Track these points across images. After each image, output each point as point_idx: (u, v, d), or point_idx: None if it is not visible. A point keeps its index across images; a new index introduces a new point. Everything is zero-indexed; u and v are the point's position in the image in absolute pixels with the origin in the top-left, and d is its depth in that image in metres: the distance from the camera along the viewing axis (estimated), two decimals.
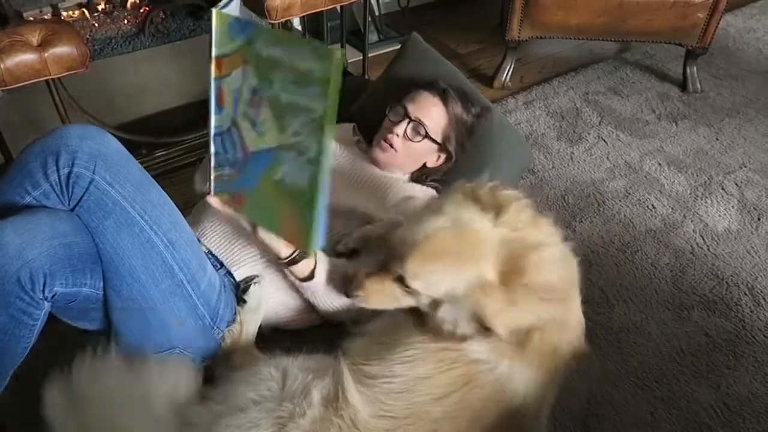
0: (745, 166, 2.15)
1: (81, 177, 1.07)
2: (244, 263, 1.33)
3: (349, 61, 2.46)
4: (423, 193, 1.59)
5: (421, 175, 1.65)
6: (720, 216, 1.92)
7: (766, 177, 2.10)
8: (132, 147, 1.91)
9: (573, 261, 1.10)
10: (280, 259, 1.23)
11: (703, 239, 1.83)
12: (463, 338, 1.04)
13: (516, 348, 1.03)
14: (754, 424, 1.35)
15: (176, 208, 1.19)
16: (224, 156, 1.13)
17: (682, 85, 2.59)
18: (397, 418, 1.00)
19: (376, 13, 2.83)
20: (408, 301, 1.09)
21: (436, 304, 1.06)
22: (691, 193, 2.01)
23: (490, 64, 2.72)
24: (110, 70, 2.51)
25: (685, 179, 2.08)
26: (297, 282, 1.28)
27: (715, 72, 2.72)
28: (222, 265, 1.33)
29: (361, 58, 2.38)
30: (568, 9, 2.36)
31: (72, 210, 1.09)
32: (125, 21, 2.79)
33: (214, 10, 1.00)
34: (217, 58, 1.05)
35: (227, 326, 1.27)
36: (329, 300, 1.30)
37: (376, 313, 1.20)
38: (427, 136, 1.55)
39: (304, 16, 2.22)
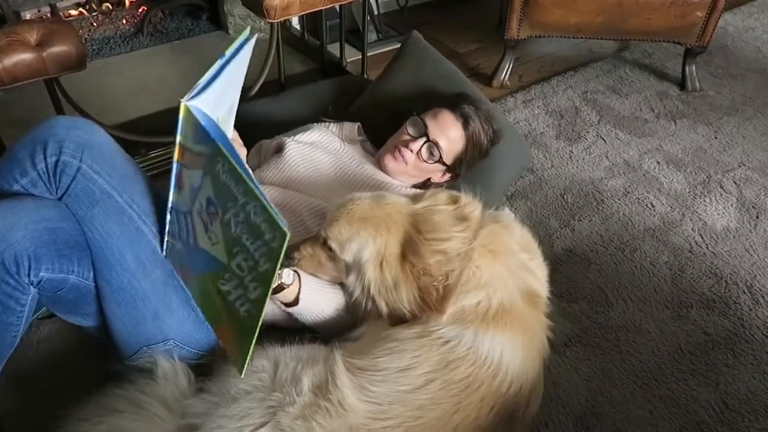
0: (744, 165, 2.15)
1: (68, 165, 1.08)
2: None
3: (348, 60, 2.46)
4: None
5: (423, 185, 1.65)
6: (719, 214, 1.92)
7: (765, 175, 2.10)
8: (130, 146, 1.92)
9: (500, 227, 1.23)
10: None
11: (702, 238, 1.83)
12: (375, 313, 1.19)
13: (478, 317, 1.11)
14: (752, 422, 1.35)
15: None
16: (177, 232, 1.13)
17: (681, 84, 2.59)
18: (382, 404, 1.03)
19: (375, 13, 2.83)
20: (332, 269, 1.25)
21: (348, 270, 1.20)
22: (689, 192, 2.01)
23: (489, 63, 2.72)
24: (109, 70, 2.51)
25: (684, 178, 2.08)
26: (282, 306, 1.29)
27: (714, 71, 2.72)
28: None
29: (360, 57, 2.38)
30: (567, 8, 2.36)
31: (60, 199, 1.10)
32: (124, 21, 2.80)
33: (181, 102, 0.94)
34: (180, 145, 1.01)
35: None
36: (315, 319, 1.30)
37: (362, 321, 1.26)
38: (440, 160, 1.55)
39: (302, 16, 2.22)
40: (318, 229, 1.38)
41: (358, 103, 1.97)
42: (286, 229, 0.85)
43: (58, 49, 1.53)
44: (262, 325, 0.99)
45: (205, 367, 1.23)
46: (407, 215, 1.18)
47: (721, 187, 2.04)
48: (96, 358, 1.37)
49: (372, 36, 2.79)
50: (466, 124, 1.57)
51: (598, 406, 1.36)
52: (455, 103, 1.60)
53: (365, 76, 2.38)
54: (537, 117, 2.36)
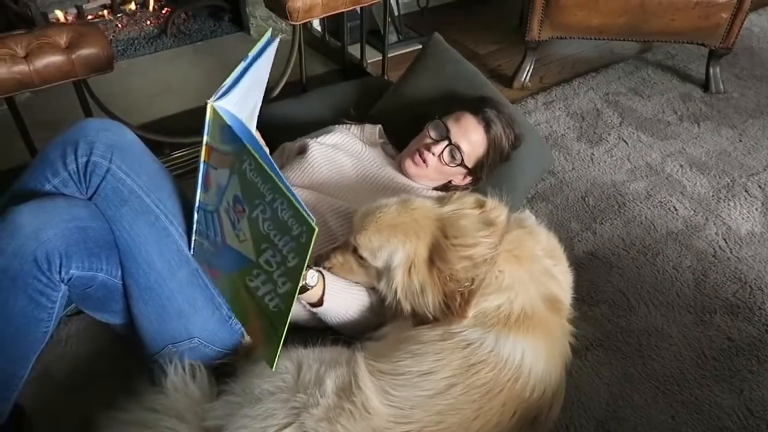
0: None
1: (98, 166, 1.10)
2: None
3: (368, 61, 2.47)
4: None
5: (445, 188, 1.65)
6: (743, 219, 1.90)
7: None
8: (154, 147, 1.94)
9: (534, 234, 1.25)
10: None
11: (726, 242, 1.81)
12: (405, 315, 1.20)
13: (500, 321, 1.12)
14: None
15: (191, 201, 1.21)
16: (205, 231, 1.15)
17: (705, 86, 2.56)
18: (403, 408, 1.03)
19: (396, 14, 2.84)
20: (363, 275, 1.27)
21: (379, 276, 1.20)
22: (713, 196, 1.99)
23: (510, 64, 2.71)
24: (133, 71, 2.55)
25: (708, 181, 2.05)
26: (307, 306, 1.30)
27: (739, 72, 2.68)
28: None
29: (381, 58, 2.39)
30: (589, 9, 2.34)
31: (90, 199, 1.13)
32: (148, 22, 2.84)
33: (208, 103, 0.96)
34: (207, 145, 1.04)
35: None
36: (339, 319, 1.31)
37: (387, 321, 1.27)
38: (461, 163, 1.55)
39: (324, 18, 2.23)
40: (340, 230, 1.39)
41: (379, 105, 1.98)
42: (314, 224, 0.86)
43: (87, 51, 1.56)
44: (289, 322, 1.00)
45: (229, 367, 1.25)
46: (435, 219, 1.19)
47: (746, 191, 2.01)
48: (123, 356, 1.39)
49: (392, 37, 2.80)
50: (488, 128, 1.57)
51: (620, 411, 1.36)
52: (477, 106, 1.60)
53: (386, 77, 2.39)
54: (558, 119, 2.35)
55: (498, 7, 3.30)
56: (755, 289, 1.66)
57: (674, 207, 1.94)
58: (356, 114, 1.89)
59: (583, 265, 1.71)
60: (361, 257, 1.23)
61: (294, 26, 1.97)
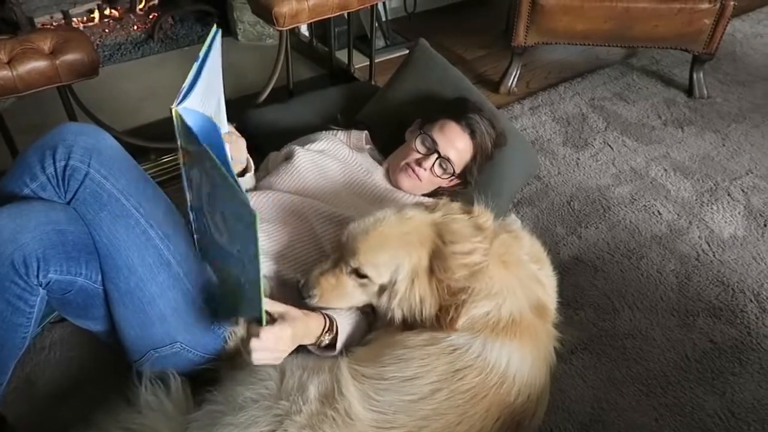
0: (752, 172, 2.15)
1: (76, 170, 1.10)
2: None
3: (356, 66, 2.47)
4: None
5: (433, 192, 1.67)
6: (726, 222, 1.92)
7: None
8: (141, 152, 1.95)
9: (518, 238, 1.25)
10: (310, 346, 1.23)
11: (709, 245, 1.83)
12: (406, 325, 1.18)
13: (488, 327, 1.12)
14: (759, 431, 1.35)
15: (173, 206, 1.21)
16: (200, 228, 1.18)
17: (689, 91, 2.59)
18: (386, 413, 1.03)
19: (383, 19, 2.85)
20: (360, 294, 1.21)
21: (381, 292, 1.17)
22: (697, 199, 2.01)
23: (497, 69, 2.73)
24: (120, 76, 2.54)
25: (691, 185, 2.08)
26: (317, 351, 1.26)
27: (722, 77, 2.72)
28: None
29: (368, 63, 2.40)
30: (574, 15, 2.36)
31: (68, 203, 1.12)
32: (135, 27, 2.83)
33: (172, 109, 1.00)
34: (182, 148, 1.07)
35: (230, 323, 1.27)
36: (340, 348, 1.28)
37: (374, 327, 1.27)
38: (453, 174, 1.59)
39: (311, 23, 2.24)
40: (326, 235, 1.39)
41: (366, 110, 1.99)
42: (254, 209, 0.91)
43: (71, 57, 1.55)
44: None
45: (213, 373, 1.24)
46: (431, 225, 1.17)
47: (729, 194, 2.04)
48: (107, 363, 1.39)
49: (380, 42, 2.81)
50: (473, 134, 1.59)
51: (604, 414, 1.37)
52: (459, 113, 1.61)
53: (373, 82, 2.40)
54: (544, 124, 2.36)
55: (485, 13, 3.32)
56: (737, 291, 1.68)
57: (658, 211, 1.96)
58: (343, 119, 1.90)
59: (568, 269, 1.73)
60: (361, 276, 1.18)
61: (281, 31, 1.97)
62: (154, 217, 1.15)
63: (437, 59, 2.01)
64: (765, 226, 1.91)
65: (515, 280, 1.18)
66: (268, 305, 1.10)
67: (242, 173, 1.44)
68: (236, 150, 1.39)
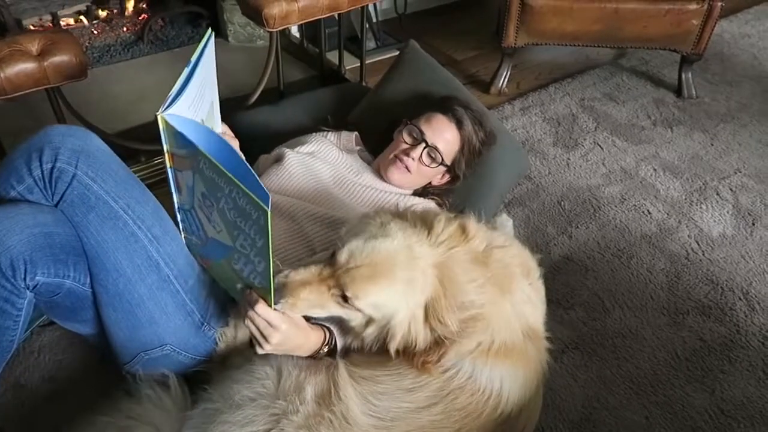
0: (740, 172, 2.16)
1: (64, 172, 1.09)
2: None
3: (347, 67, 2.48)
4: (423, 205, 1.60)
5: (423, 190, 1.67)
6: (715, 221, 1.94)
7: (761, 182, 2.11)
8: (130, 154, 1.94)
9: (502, 252, 1.16)
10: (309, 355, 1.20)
11: (698, 244, 1.84)
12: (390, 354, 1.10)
13: (480, 354, 1.08)
14: (748, 428, 1.36)
15: (162, 207, 1.20)
16: (189, 228, 1.18)
17: (678, 91, 2.61)
18: (384, 419, 1.03)
19: (374, 20, 2.85)
20: (339, 313, 1.10)
21: (368, 323, 1.10)
22: (686, 199, 2.03)
23: (487, 70, 2.74)
24: (109, 78, 2.53)
25: (681, 185, 2.09)
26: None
27: (710, 78, 2.74)
28: None
29: (359, 64, 2.40)
30: (563, 16, 2.38)
31: (56, 205, 1.11)
32: (124, 29, 2.82)
33: (158, 115, 0.99)
34: (168, 152, 1.07)
35: (220, 324, 1.27)
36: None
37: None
38: (441, 162, 1.58)
39: (301, 24, 2.24)
40: (317, 237, 1.38)
41: (356, 112, 1.99)
42: (264, 206, 0.91)
43: (59, 59, 1.54)
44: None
45: (204, 375, 1.24)
46: (435, 268, 1.07)
47: (718, 194, 2.05)
48: (96, 366, 1.38)
49: (371, 44, 2.81)
50: (460, 125, 1.60)
51: (595, 413, 1.37)
52: (446, 105, 1.63)
53: (364, 83, 2.40)
54: (534, 124, 2.37)
55: (476, 14, 3.33)
56: (726, 290, 1.69)
57: (648, 210, 1.97)
58: (333, 121, 1.90)
59: (559, 269, 1.73)
60: (347, 302, 1.08)
61: (271, 33, 1.97)
62: (143, 218, 1.14)
63: (427, 60, 2.02)
64: (753, 224, 1.93)
65: (509, 308, 1.13)
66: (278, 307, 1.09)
67: None
68: None
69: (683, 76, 2.58)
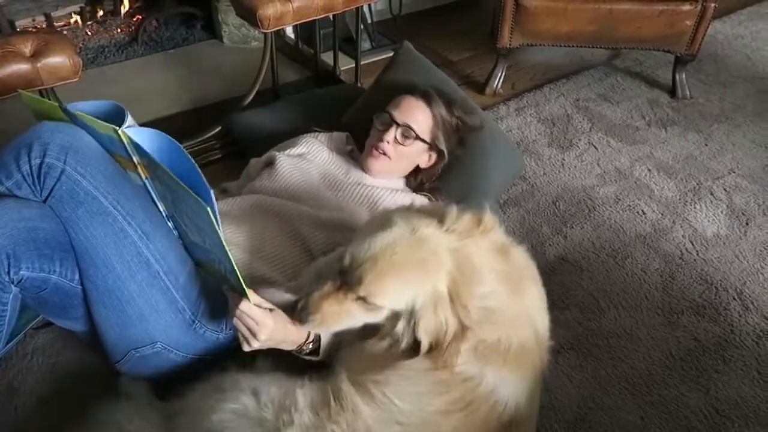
0: (734, 172, 2.17)
1: (52, 167, 1.08)
2: None
3: (342, 68, 2.48)
4: (416, 202, 1.60)
5: (417, 181, 1.67)
6: (709, 221, 1.94)
7: (755, 182, 2.12)
8: None
9: (518, 253, 1.14)
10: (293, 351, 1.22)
11: (693, 244, 1.85)
12: (415, 352, 1.07)
13: (500, 356, 1.05)
14: (742, 427, 1.36)
15: (153, 204, 1.20)
16: (181, 233, 1.20)
17: (672, 92, 2.62)
18: (404, 424, 1.00)
19: (369, 21, 2.85)
20: (367, 318, 1.08)
21: (396, 318, 1.07)
22: (680, 199, 2.03)
23: (482, 71, 2.74)
24: (103, 79, 2.52)
25: (675, 185, 2.10)
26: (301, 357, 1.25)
27: (704, 78, 2.75)
28: None
29: (354, 65, 2.40)
30: (558, 17, 2.38)
31: (45, 201, 1.11)
32: (118, 30, 2.81)
33: (119, 130, 1.01)
34: (139, 164, 1.08)
35: (211, 323, 1.25)
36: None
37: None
38: (417, 137, 1.58)
39: (296, 25, 2.24)
40: (312, 237, 1.38)
41: (350, 113, 1.99)
42: (204, 202, 0.92)
43: (52, 60, 1.54)
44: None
45: (197, 374, 1.22)
46: (449, 251, 1.05)
47: (712, 194, 2.06)
48: (90, 368, 1.37)
49: (365, 44, 2.81)
50: (428, 100, 1.62)
51: (590, 413, 1.38)
52: (412, 87, 1.66)
53: (359, 84, 2.40)
54: (529, 125, 2.38)
55: (470, 15, 3.34)
56: (720, 290, 1.70)
57: (642, 210, 1.98)
58: (327, 122, 1.90)
59: (554, 269, 1.74)
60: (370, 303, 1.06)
61: (266, 34, 1.97)
62: (133, 215, 1.13)
63: (422, 61, 2.02)
64: (747, 224, 1.93)
65: (524, 310, 1.11)
66: (257, 300, 1.09)
67: None
68: None
69: (677, 76, 2.59)
